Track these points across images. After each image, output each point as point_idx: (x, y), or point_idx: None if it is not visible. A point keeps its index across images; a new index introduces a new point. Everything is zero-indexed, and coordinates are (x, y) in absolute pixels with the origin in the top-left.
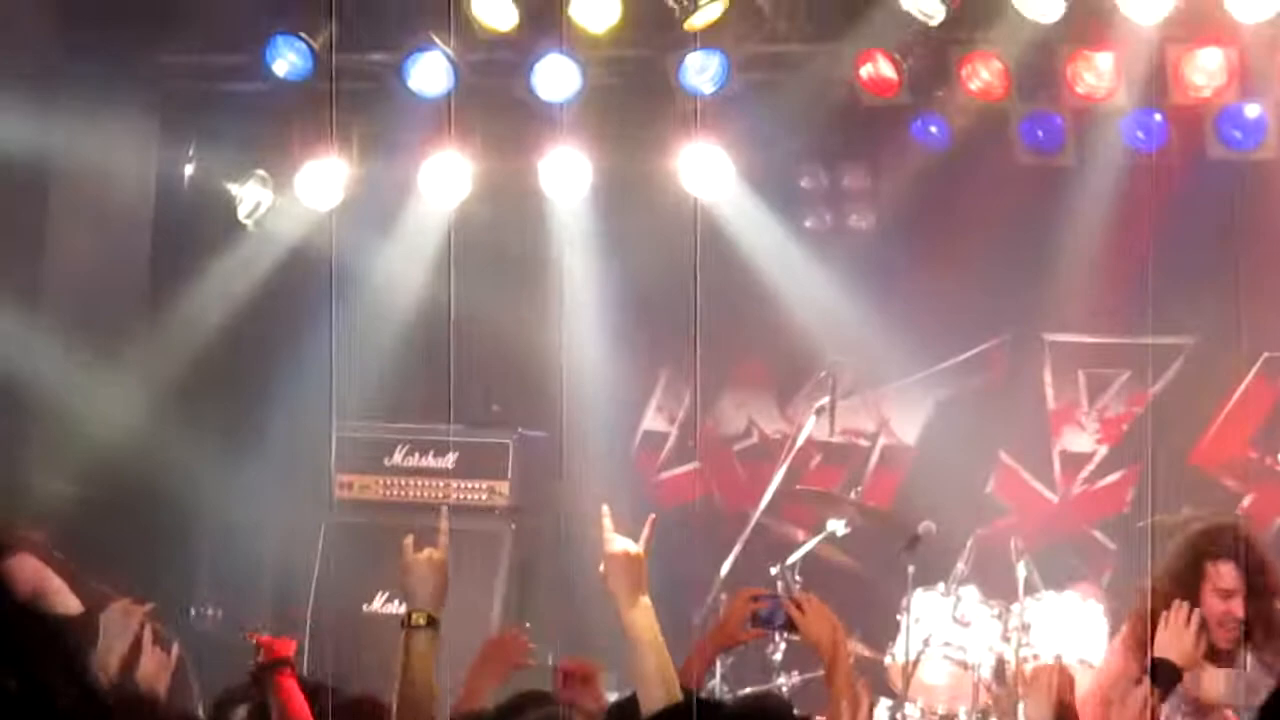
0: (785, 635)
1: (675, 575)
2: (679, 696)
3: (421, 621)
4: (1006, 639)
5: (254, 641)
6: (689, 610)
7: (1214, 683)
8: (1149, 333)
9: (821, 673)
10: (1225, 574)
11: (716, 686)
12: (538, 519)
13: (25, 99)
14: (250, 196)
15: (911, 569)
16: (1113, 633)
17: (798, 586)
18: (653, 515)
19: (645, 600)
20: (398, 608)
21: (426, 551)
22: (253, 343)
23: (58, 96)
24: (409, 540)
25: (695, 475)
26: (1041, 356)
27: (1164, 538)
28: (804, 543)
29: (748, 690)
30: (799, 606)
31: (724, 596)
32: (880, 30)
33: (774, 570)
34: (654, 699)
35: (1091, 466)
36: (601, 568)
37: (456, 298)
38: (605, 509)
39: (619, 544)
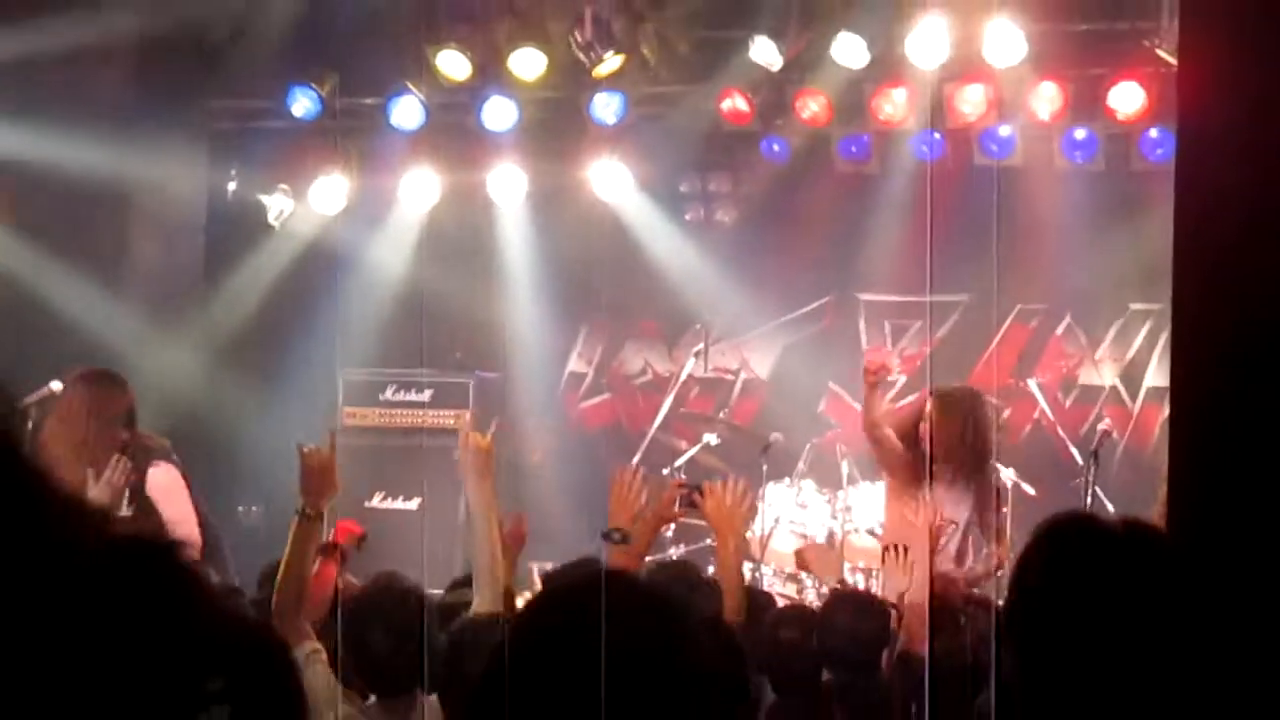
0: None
1: (595, 477)
2: (499, 607)
3: (311, 513)
4: (835, 517)
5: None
6: (604, 502)
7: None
8: (934, 293)
9: (707, 544)
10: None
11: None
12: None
13: (104, 133)
14: (276, 205)
15: (765, 467)
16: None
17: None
18: None
19: (489, 484)
20: (391, 503)
21: (312, 448)
22: (280, 313)
23: (130, 131)
24: (302, 446)
25: (606, 404)
26: (857, 311)
27: None
28: (687, 451)
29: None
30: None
31: None
32: (736, 74)
33: (665, 471)
34: (483, 597)
35: (894, 391)
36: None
37: (427, 277)
38: (466, 416)
39: (473, 438)
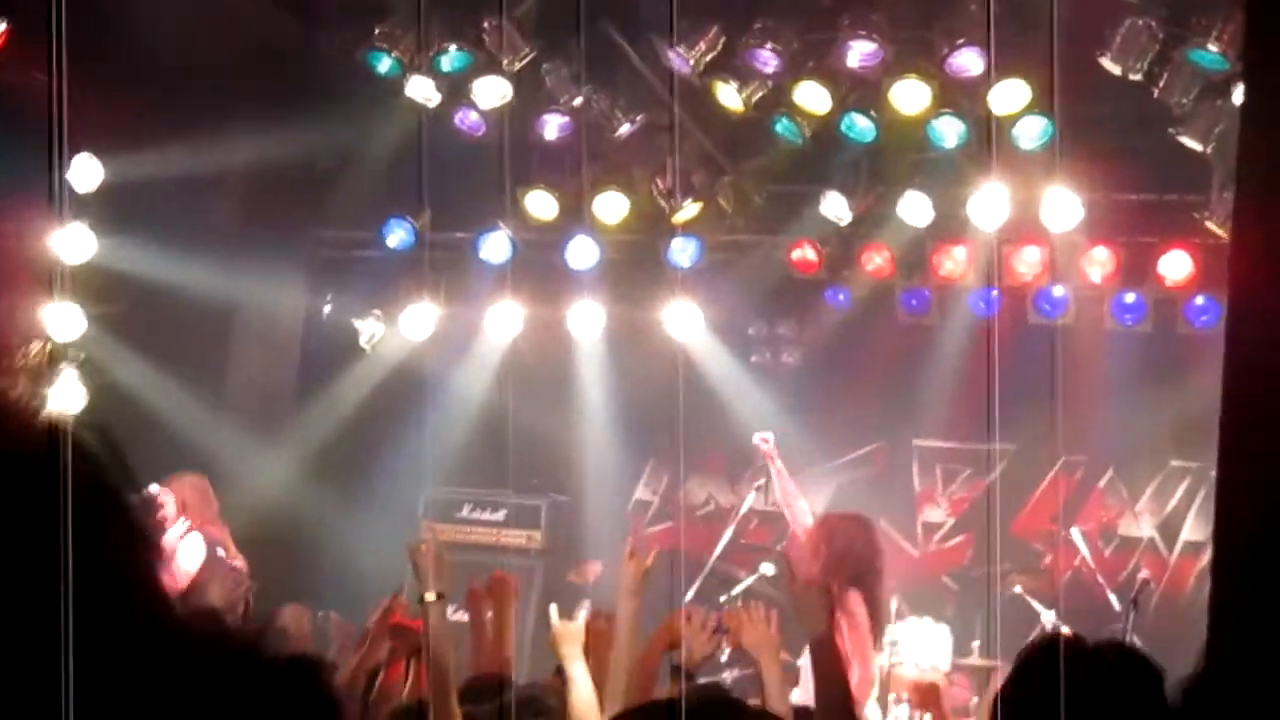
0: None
1: (654, 601)
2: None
3: (433, 597)
4: (881, 650)
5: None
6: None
7: None
8: (985, 441)
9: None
10: None
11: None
12: (560, 558)
13: (214, 258)
14: (369, 329)
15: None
16: (956, 649)
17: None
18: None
19: (639, 603)
20: (459, 615)
21: (422, 544)
22: (368, 430)
23: (237, 254)
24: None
25: (669, 531)
26: (910, 455)
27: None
28: (744, 579)
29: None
30: (737, 619)
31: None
32: (807, 226)
33: (723, 598)
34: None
35: (942, 532)
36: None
37: (509, 403)
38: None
39: (637, 557)
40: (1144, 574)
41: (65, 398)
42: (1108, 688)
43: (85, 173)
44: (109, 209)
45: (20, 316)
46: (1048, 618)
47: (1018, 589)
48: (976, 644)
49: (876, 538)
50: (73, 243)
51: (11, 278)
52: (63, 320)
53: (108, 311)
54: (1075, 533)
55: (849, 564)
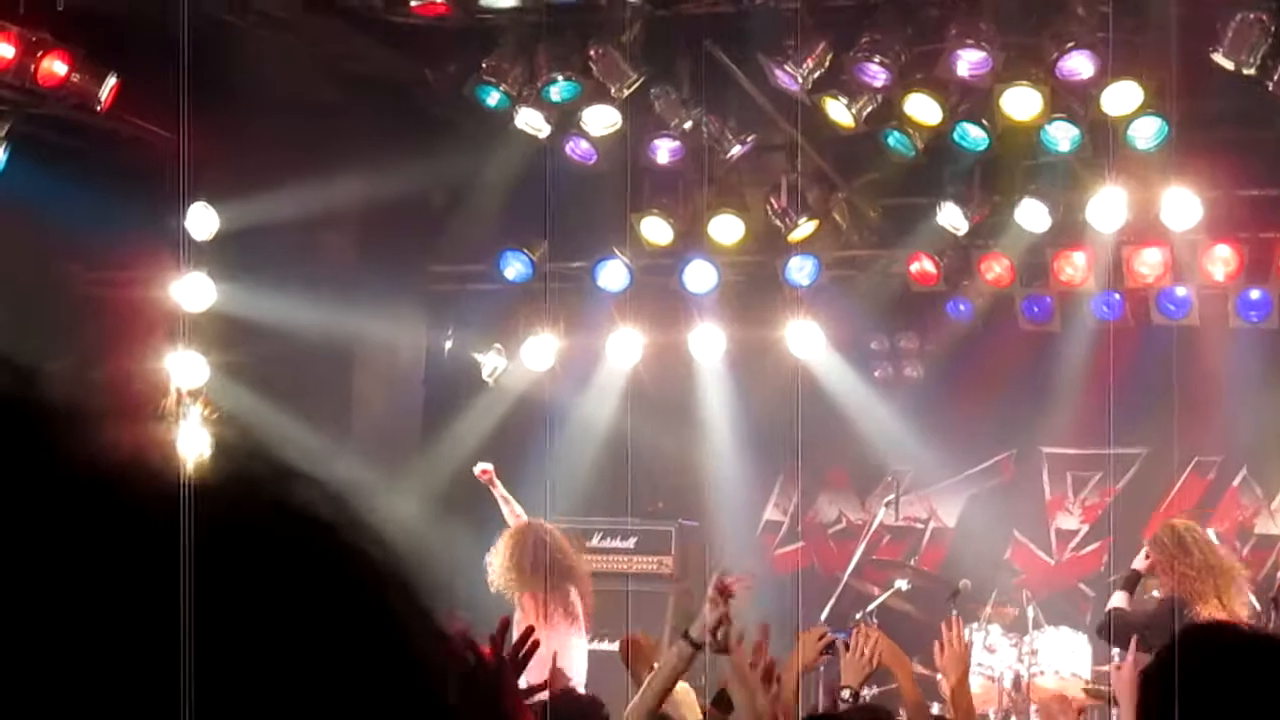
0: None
1: (788, 620)
2: None
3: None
4: (1021, 660)
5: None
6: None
7: None
8: (1114, 445)
9: (893, 686)
10: None
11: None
12: (692, 583)
13: (333, 298)
14: (490, 362)
15: (954, 613)
16: (1094, 656)
17: (875, 626)
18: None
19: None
20: (598, 645)
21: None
22: (493, 463)
23: (356, 292)
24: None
25: (801, 551)
26: (1040, 463)
27: None
28: (878, 596)
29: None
30: (865, 635)
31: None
32: (924, 239)
33: (858, 615)
34: None
35: (1077, 539)
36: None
37: (632, 429)
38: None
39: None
40: None
41: (192, 446)
42: (1265, 674)
43: (202, 221)
44: (227, 255)
45: (146, 366)
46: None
47: (1155, 593)
48: (1116, 651)
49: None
50: (193, 291)
51: (136, 327)
52: (187, 368)
53: (231, 359)
54: (1210, 533)
55: None
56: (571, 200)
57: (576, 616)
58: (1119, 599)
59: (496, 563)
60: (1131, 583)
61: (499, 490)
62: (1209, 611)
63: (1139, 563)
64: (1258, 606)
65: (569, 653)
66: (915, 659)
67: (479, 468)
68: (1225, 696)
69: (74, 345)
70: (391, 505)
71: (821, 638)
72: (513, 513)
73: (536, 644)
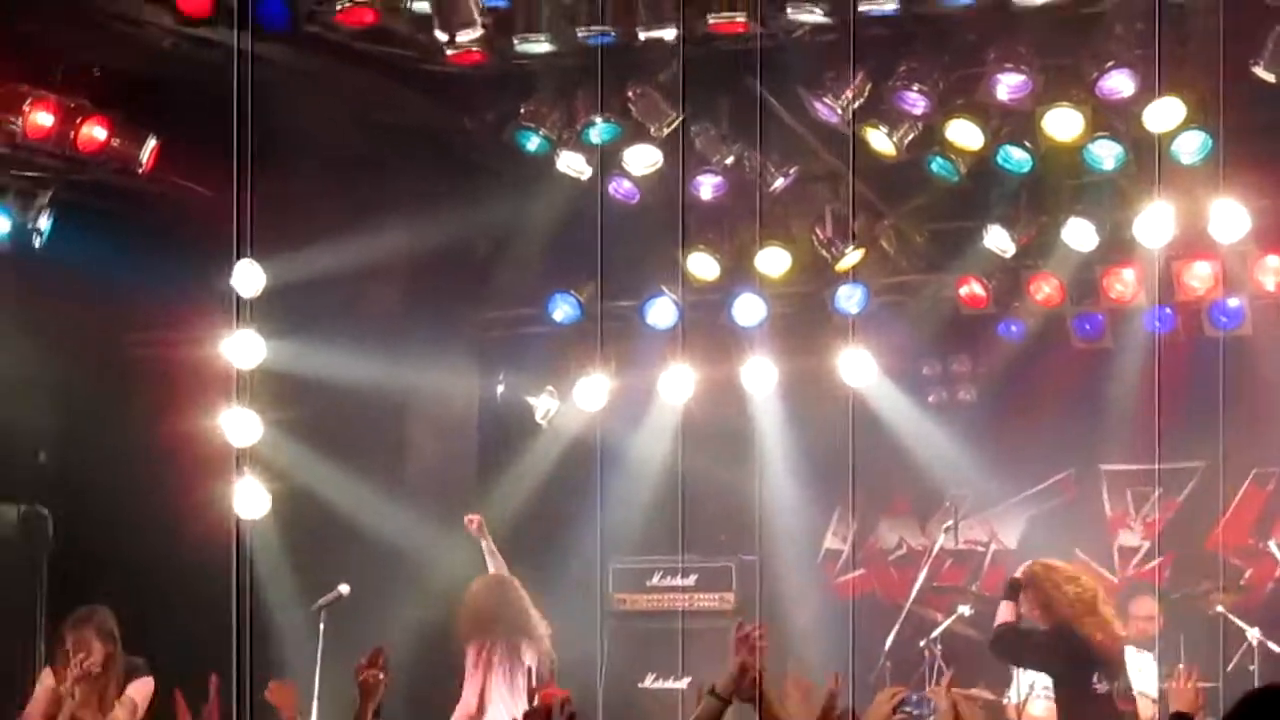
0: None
1: (849, 649)
2: None
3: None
4: None
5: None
6: (863, 674)
7: None
8: (1172, 460)
9: None
10: None
11: None
12: (754, 617)
13: (381, 347)
14: (543, 405)
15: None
16: (1163, 674)
17: (939, 652)
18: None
19: None
20: (662, 684)
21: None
22: (550, 505)
23: (405, 343)
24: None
25: (862, 578)
26: (1099, 481)
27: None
28: (942, 623)
29: None
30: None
31: (889, 664)
32: (972, 262)
33: (922, 643)
34: None
35: (1139, 555)
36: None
37: (688, 465)
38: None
39: None
40: None
41: (250, 502)
42: None
43: (248, 278)
44: (275, 311)
45: (201, 424)
46: (1253, 635)
47: (1220, 608)
48: (1182, 667)
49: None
50: (243, 348)
51: (189, 386)
52: (241, 426)
53: (284, 415)
54: (1273, 544)
55: None
56: (617, 240)
57: (515, 680)
58: (1004, 611)
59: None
60: (1014, 592)
61: (486, 543)
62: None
63: (1019, 572)
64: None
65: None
66: (980, 684)
67: (467, 518)
68: None
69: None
70: (451, 554)
71: (894, 695)
72: (497, 567)
73: None
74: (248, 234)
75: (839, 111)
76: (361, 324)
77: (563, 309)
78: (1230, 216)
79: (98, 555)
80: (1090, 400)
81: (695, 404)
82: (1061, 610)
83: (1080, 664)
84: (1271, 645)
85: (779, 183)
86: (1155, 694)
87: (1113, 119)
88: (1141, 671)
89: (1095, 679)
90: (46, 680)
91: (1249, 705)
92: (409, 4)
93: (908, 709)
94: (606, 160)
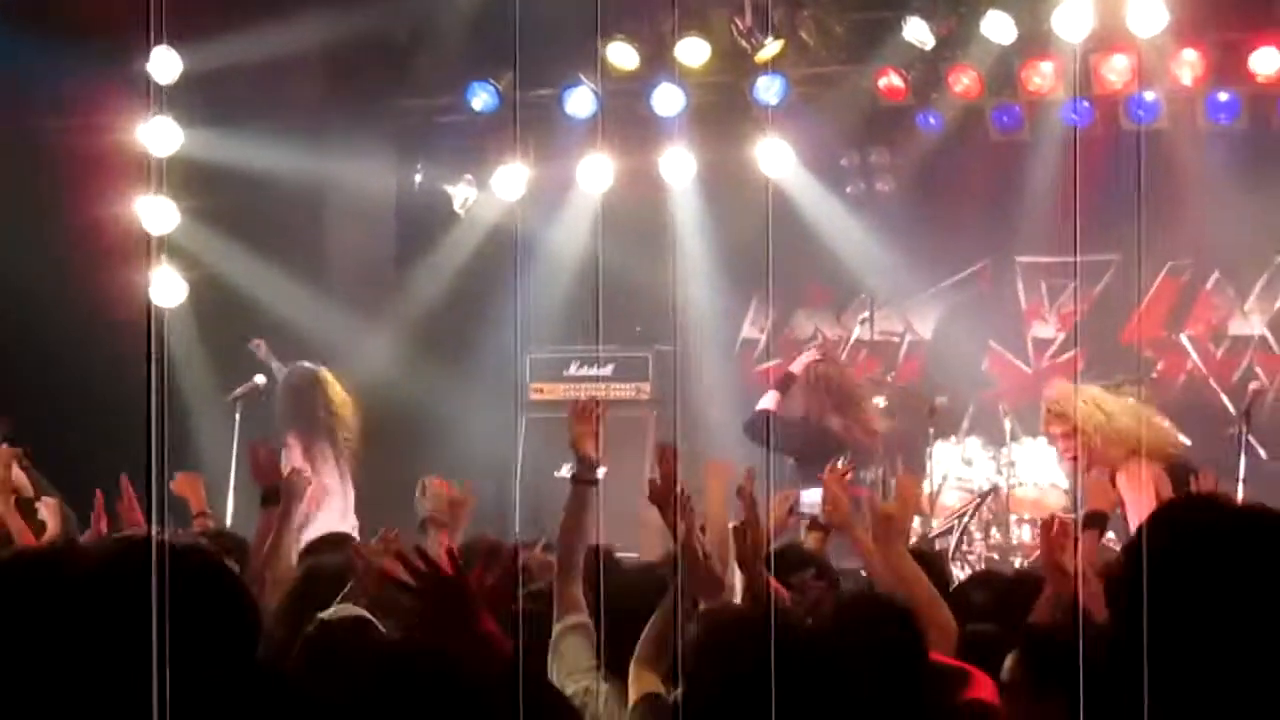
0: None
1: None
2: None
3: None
4: (999, 472)
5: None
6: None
7: None
8: (1087, 253)
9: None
10: None
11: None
12: (669, 407)
13: (299, 137)
14: (461, 194)
15: (931, 430)
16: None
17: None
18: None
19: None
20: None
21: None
22: (468, 296)
23: (322, 133)
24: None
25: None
26: (1014, 273)
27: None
28: None
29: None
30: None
31: None
32: (890, 53)
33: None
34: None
35: (1054, 347)
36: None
37: (605, 256)
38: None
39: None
40: (1254, 384)
41: (166, 292)
42: (1250, 554)
43: (164, 64)
44: (191, 99)
45: (116, 211)
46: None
47: (1131, 400)
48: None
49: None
50: (159, 135)
51: (106, 173)
52: (157, 214)
53: (201, 204)
54: (1184, 338)
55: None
56: (537, 29)
57: (334, 462)
58: (769, 399)
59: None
60: (784, 385)
61: (277, 364)
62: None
63: (796, 366)
64: (1233, 411)
65: (332, 498)
66: (899, 467)
67: (254, 341)
68: (1203, 586)
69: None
70: (367, 342)
71: (786, 498)
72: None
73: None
74: (163, 19)
75: None
76: (279, 112)
77: (481, 97)
78: (1148, 9)
79: (11, 343)
80: (1007, 193)
81: (613, 194)
82: (814, 400)
83: (824, 453)
84: (1182, 438)
85: None
86: (1066, 485)
87: None
88: (1053, 463)
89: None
90: None
91: (1159, 525)
92: None
93: (802, 511)
94: None
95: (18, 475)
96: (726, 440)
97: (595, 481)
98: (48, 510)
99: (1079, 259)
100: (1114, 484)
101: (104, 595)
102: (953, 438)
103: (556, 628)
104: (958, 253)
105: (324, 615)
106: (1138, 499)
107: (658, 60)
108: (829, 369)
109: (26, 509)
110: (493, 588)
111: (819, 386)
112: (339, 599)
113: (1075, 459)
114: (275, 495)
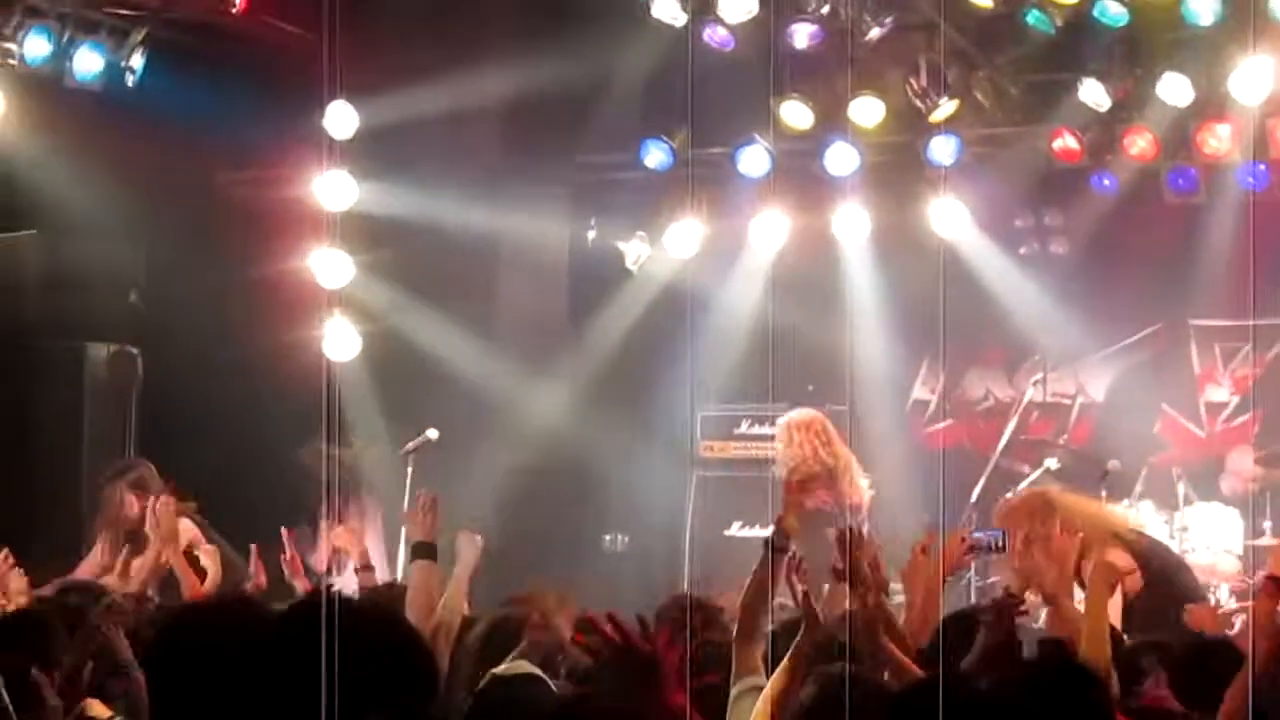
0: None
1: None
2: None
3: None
4: (1172, 537)
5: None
6: (949, 524)
7: None
8: (1262, 316)
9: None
10: None
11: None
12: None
13: (474, 191)
14: (634, 251)
15: (1104, 492)
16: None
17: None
18: None
19: None
20: (748, 531)
21: None
22: (639, 352)
23: (498, 187)
24: None
25: (950, 429)
26: (1188, 336)
27: None
28: (1029, 475)
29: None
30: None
31: (974, 515)
32: (1066, 114)
33: (1008, 495)
34: None
35: (1228, 411)
36: None
37: (777, 314)
38: None
39: None
40: None
41: (340, 345)
42: None
43: (341, 119)
44: (368, 154)
45: (291, 265)
46: None
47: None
48: (1269, 524)
49: None
50: (334, 189)
51: (282, 226)
52: (332, 267)
53: (376, 258)
54: None
55: None
56: (711, 87)
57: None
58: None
59: None
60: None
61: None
62: None
63: None
64: None
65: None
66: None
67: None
68: None
69: (219, 250)
70: (539, 399)
71: (963, 538)
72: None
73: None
74: (339, 75)
75: None
76: (454, 167)
77: (655, 155)
78: None
79: (186, 396)
80: (1181, 255)
81: (786, 253)
82: None
83: None
84: None
85: (874, 32)
86: (1239, 551)
87: None
88: (1226, 528)
89: None
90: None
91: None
92: None
93: (978, 535)
94: (702, 7)
95: (188, 526)
96: (893, 502)
97: (788, 550)
98: (207, 557)
99: (1254, 322)
100: None
101: (290, 650)
102: (1125, 501)
103: (735, 688)
104: (1131, 315)
105: (497, 671)
106: None
107: (832, 119)
108: None
109: (192, 558)
110: (682, 658)
111: None
112: (511, 656)
113: None
114: (426, 550)
